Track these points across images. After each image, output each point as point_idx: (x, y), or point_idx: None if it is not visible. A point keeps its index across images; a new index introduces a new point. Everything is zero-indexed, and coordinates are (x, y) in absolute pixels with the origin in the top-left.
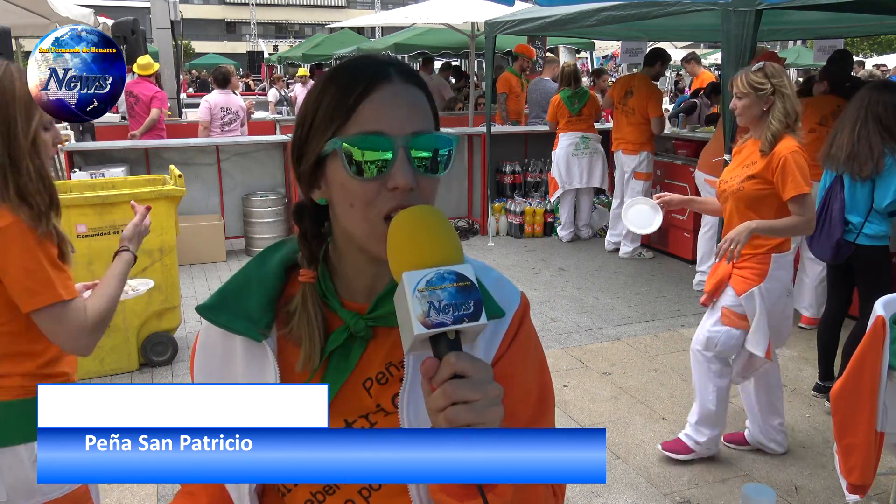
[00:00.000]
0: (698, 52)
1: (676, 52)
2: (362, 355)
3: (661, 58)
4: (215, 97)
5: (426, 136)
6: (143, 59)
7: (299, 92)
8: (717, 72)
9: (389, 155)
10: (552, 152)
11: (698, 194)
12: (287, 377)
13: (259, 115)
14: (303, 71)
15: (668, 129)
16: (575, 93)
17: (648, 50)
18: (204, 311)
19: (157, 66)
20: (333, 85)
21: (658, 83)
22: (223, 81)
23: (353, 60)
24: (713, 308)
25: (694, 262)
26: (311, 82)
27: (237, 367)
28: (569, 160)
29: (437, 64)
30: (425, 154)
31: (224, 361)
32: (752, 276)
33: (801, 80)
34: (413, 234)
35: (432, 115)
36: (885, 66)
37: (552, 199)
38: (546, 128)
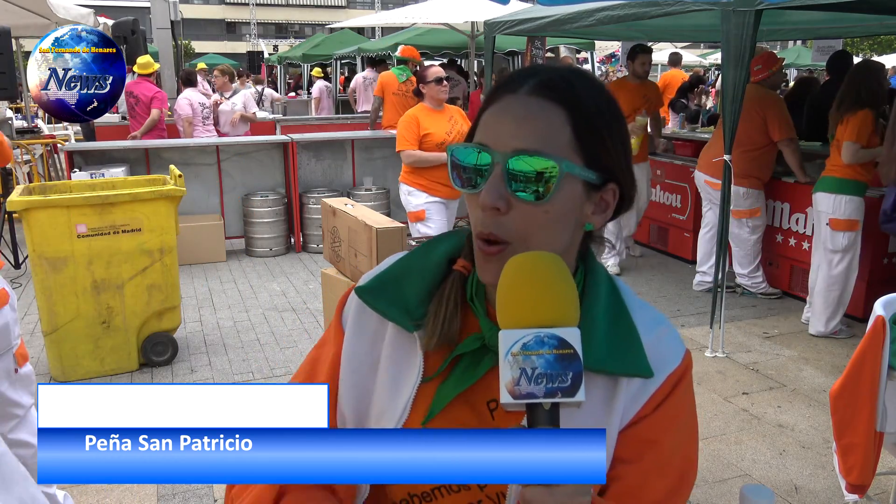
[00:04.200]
0: (697, 52)
1: (662, 55)
2: (493, 371)
3: (635, 55)
4: (192, 94)
5: (530, 156)
6: (143, 59)
7: (320, 90)
8: (717, 72)
9: (486, 170)
10: None
11: (698, 195)
12: (428, 371)
13: (259, 114)
14: (317, 72)
15: (668, 129)
16: None
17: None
18: (363, 293)
19: (156, 65)
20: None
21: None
22: (189, 82)
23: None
24: None
25: (694, 262)
26: (320, 82)
27: (383, 349)
28: None
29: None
30: (524, 175)
31: (373, 341)
32: None
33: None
34: (516, 287)
35: (571, 133)
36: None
37: None
38: None
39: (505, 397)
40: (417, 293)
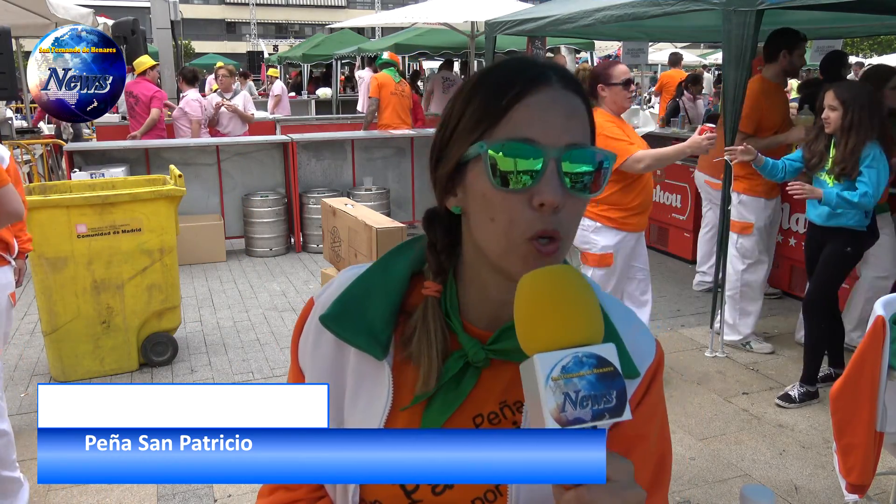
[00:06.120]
0: (697, 52)
1: (662, 54)
2: (475, 386)
3: (794, 44)
4: (198, 95)
5: (582, 149)
6: (138, 59)
7: (282, 88)
8: (717, 72)
9: (539, 166)
10: None
11: (698, 195)
12: (400, 398)
13: (259, 114)
14: (273, 71)
15: (667, 129)
16: None
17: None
18: (328, 321)
19: (149, 62)
20: (485, 84)
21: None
22: (194, 79)
23: (509, 61)
24: None
25: (694, 262)
26: (279, 82)
27: (347, 379)
28: None
29: (435, 64)
30: (579, 170)
31: (334, 370)
32: None
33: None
34: (547, 305)
35: (590, 127)
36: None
37: None
38: None
39: (551, 425)
40: (382, 314)
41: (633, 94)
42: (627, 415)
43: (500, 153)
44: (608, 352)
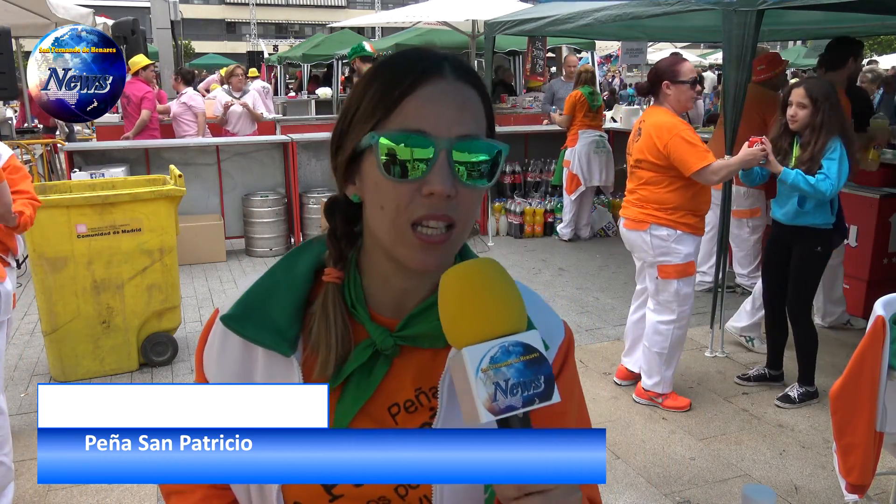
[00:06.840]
0: (697, 52)
1: (662, 55)
2: (387, 375)
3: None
4: (196, 93)
5: (473, 140)
6: (132, 59)
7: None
8: (718, 72)
9: (429, 157)
10: (568, 149)
11: None
12: None
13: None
14: (252, 72)
15: None
16: (593, 91)
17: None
18: (230, 321)
19: (143, 62)
20: (381, 75)
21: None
22: (191, 79)
23: (406, 51)
24: None
25: None
26: (258, 82)
27: (256, 380)
28: (590, 157)
29: None
30: (469, 160)
31: (243, 373)
32: None
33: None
34: (471, 299)
35: (485, 118)
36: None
37: (572, 197)
38: (545, 128)
39: (484, 416)
40: (286, 311)
41: (700, 94)
42: (556, 398)
43: (391, 144)
44: (533, 339)
